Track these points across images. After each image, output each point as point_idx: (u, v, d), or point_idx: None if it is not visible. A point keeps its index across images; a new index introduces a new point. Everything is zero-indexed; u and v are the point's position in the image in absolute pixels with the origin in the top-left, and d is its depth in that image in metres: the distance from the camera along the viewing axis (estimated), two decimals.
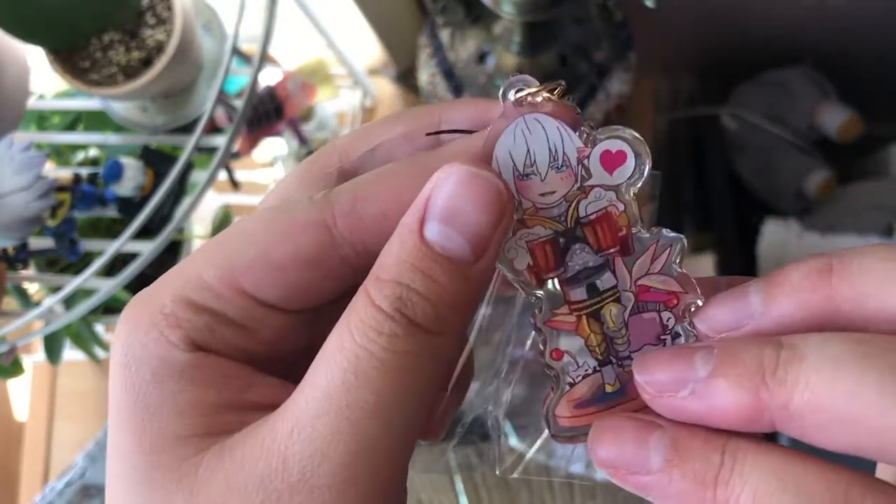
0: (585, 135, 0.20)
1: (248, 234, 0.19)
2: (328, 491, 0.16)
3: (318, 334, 0.20)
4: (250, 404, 0.18)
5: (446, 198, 0.17)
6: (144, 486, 0.17)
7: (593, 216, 0.20)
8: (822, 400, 0.15)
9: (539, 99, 0.19)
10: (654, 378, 0.17)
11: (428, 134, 0.21)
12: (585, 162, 0.19)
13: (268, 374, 0.19)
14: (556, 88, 0.20)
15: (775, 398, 0.15)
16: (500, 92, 0.20)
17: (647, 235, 0.20)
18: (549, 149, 0.19)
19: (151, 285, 0.19)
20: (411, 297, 0.16)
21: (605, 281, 0.20)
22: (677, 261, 0.20)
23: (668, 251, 0.20)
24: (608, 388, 0.20)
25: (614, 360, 0.20)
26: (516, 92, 0.20)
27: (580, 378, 0.20)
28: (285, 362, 0.20)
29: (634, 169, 0.20)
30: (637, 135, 0.20)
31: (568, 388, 0.20)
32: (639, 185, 0.20)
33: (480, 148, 0.19)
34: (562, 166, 0.19)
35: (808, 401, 0.15)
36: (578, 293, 0.20)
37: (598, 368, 0.20)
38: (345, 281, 0.19)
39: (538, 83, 0.20)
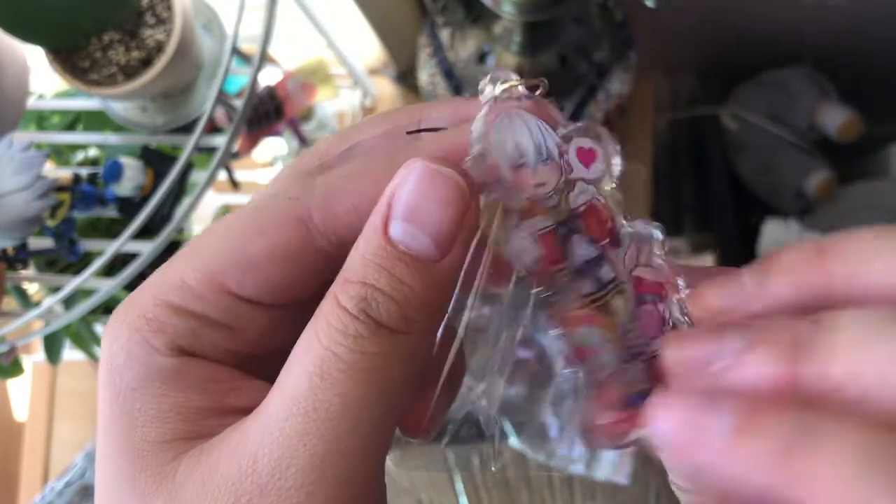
0: (563, 131, 0.20)
1: (226, 234, 0.19)
2: (297, 492, 0.16)
3: (297, 332, 0.21)
4: (233, 408, 0.18)
5: (408, 195, 0.17)
6: (127, 491, 0.17)
7: (582, 208, 0.19)
8: (862, 367, 0.14)
9: (520, 89, 0.19)
10: (685, 353, 0.16)
11: (408, 133, 0.21)
12: (565, 157, 0.19)
13: (255, 375, 0.19)
14: (536, 85, 0.20)
15: (813, 367, 0.14)
16: (480, 86, 0.19)
17: (630, 229, 0.20)
18: (534, 142, 0.19)
19: (135, 291, 0.19)
20: (376, 298, 0.16)
21: (605, 273, 0.19)
22: (661, 251, 0.19)
23: (650, 242, 0.20)
24: (638, 387, 0.19)
25: (635, 355, 0.19)
26: (499, 84, 0.19)
27: (607, 377, 0.19)
28: (272, 362, 0.20)
29: (604, 165, 0.20)
30: (603, 130, 0.20)
31: (594, 391, 0.19)
32: (614, 179, 0.20)
33: (451, 143, 0.19)
34: (547, 159, 0.19)
35: (846, 369, 0.14)
36: (587, 285, 0.19)
37: (623, 365, 0.19)
38: (325, 274, 0.19)
39: (517, 77, 0.19)
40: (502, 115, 0.19)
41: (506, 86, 0.19)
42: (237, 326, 0.19)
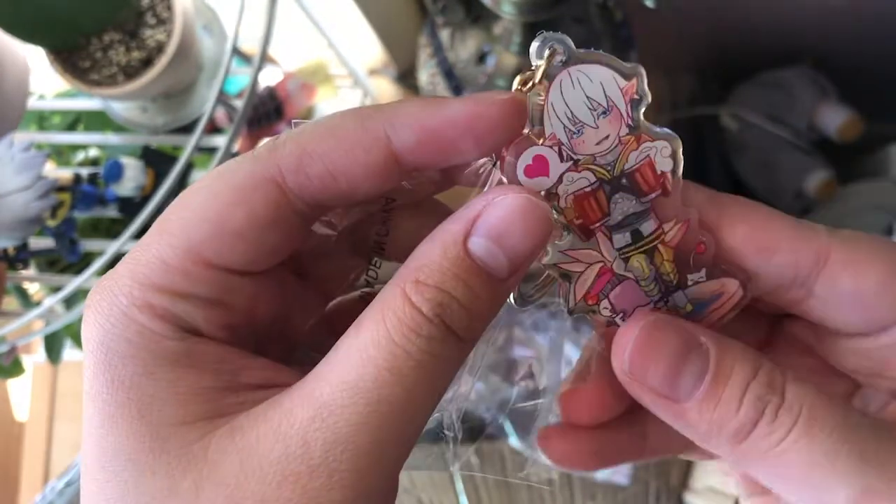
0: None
1: (199, 206, 0.18)
2: (349, 475, 0.16)
3: (288, 296, 0.21)
4: (245, 386, 0.18)
5: (500, 219, 0.18)
6: (145, 477, 0.17)
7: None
8: None
9: (580, 52, 0.20)
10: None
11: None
12: (627, 99, 0.20)
13: (252, 350, 0.19)
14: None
15: None
16: (534, 51, 0.20)
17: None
18: (589, 99, 0.20)
19: (109, 279, 0.18)
20: (452, 305, 0.17)
21: (646, 227, 0.21)
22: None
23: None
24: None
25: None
26: (551, 51, 0.20)
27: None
28: (265, 335, 0.20)
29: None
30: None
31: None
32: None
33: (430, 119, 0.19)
34: (606, 111, 0.20)
35: None
36: (621, 239, 0.21)
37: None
38: (303, 232, 0.19)
39: (558, 42, 0.20)
40: (562, 77, 0.20)
41: (543, 60, 0.20)
42: (226, 300, 0.19)
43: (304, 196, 0.18)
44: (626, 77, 0.20)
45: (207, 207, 0.18)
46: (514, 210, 0.18)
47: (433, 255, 0.18)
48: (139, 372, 0.17)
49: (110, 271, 0.19)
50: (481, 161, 0.20)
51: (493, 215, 0.18)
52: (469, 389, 0.23)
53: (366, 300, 0.21)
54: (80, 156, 0.70)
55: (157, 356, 0.18)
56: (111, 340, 0.18)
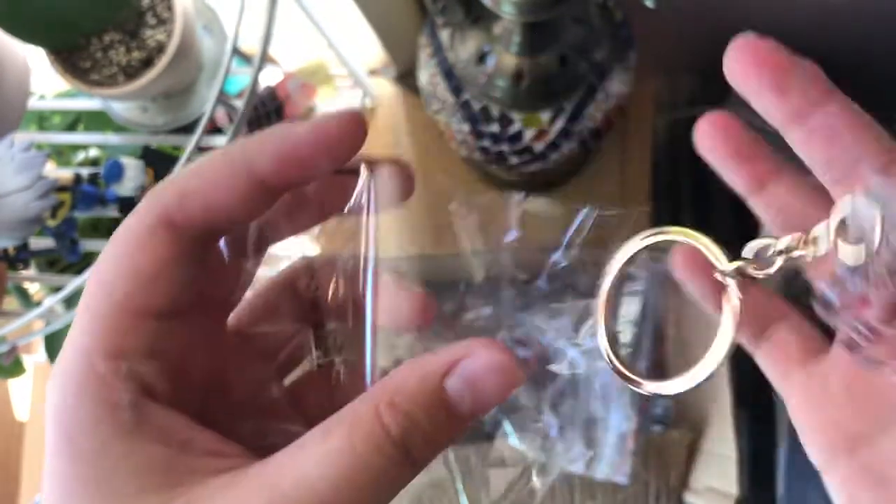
0: None
1: (114, 262, 0.20)
2: None
3: (221, 350, 0.23)
4: (195, 454, 0.19)
5: (479, 369, 0.19)
6: None
7: None
8: None
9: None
10: None
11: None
12: None
13: (195, 419, 0.20)
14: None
15: None
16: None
17: None
18: None
19: (60, 359, 0.20)
20: (417, 432, 0.19)
21: None
22: None
23: None
24: None
25: None
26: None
27: None
28: (200, 395, 0.21)
29: None
30: None
31: None
32: None
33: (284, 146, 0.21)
34: None
35: None
36: None
37: None
38: (210, 262, 0.22)
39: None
40: None
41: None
42: (159, 349, 0.20)
43: (195, 227, 0.21)
44: None
45: (119, 260, 0.20)
46: (494, 365, 0.20)
47: (411, 381, 0.19)
48: (97, 447, 0.19)
49: (60, 353, 0.20)
50: (358, 188, 0.22)
51: (475, 363, 0.19)
52: None
53: (323, 369, 0.25)
54: (80, 156, 0.70)
55: (111, 428, 0.19)
56: (69, 417, 0.19)
